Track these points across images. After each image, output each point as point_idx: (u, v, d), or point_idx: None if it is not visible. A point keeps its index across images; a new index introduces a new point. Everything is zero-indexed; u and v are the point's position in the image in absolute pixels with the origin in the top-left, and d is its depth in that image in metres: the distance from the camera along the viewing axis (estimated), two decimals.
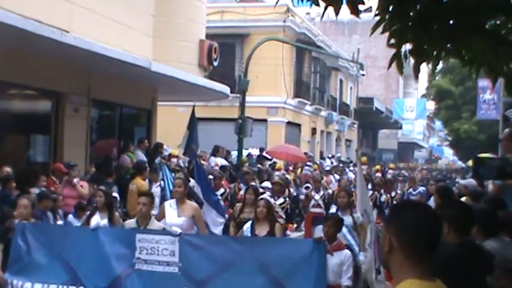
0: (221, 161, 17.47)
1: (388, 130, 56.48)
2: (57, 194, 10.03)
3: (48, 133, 12.68)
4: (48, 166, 12.13)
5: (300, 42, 26.01)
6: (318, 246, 5.80)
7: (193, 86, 14.93)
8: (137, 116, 16.82)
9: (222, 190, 11.91)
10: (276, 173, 13.83)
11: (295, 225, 16.30)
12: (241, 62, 25.28)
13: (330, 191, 13.80)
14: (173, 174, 10.57)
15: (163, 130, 17.81)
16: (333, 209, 8.89)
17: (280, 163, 20.35)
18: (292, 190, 16.41)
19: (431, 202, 9.95)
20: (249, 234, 7.18)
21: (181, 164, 13.90)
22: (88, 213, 8.04)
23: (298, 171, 20.72)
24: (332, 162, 26.59)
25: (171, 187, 9.39)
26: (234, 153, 19.54)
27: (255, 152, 21.26)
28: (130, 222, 7.05)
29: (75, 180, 10.79)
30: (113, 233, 6.43)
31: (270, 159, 20.85)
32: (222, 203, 10.79)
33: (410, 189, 14.70)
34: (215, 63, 16.81)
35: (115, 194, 10.42)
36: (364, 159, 15.33)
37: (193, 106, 14.09)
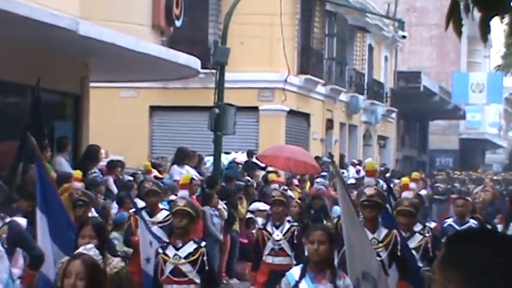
0: (190, 172, 17.39)
1: (445, 121, 56.65)
2: None
3: None
4: None
5: None
6: None
7: (144, 58, 14.94)
8: (58, 104, 16.74)
9: None
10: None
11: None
12: (217, 21, 25.19)
13: None
14: None
15: (100, 125, 17.70)
16: (295, 271, 7.24)
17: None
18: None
19: None
20: None
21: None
22: None
23: (307, 186, 20.68)
24: (358, 172, 26.56)
25: None
26: (209, 160, 19.51)
27: (242, 157, 21.20)
28: None
29: None
30: None
31: (264, 168, 20.79)
32: None
33: (452, 221, 12.42)
34: (177, 23, 16.84)
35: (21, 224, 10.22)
36: (370, 164, 10.97)
37: (38, 79, 13.59)
